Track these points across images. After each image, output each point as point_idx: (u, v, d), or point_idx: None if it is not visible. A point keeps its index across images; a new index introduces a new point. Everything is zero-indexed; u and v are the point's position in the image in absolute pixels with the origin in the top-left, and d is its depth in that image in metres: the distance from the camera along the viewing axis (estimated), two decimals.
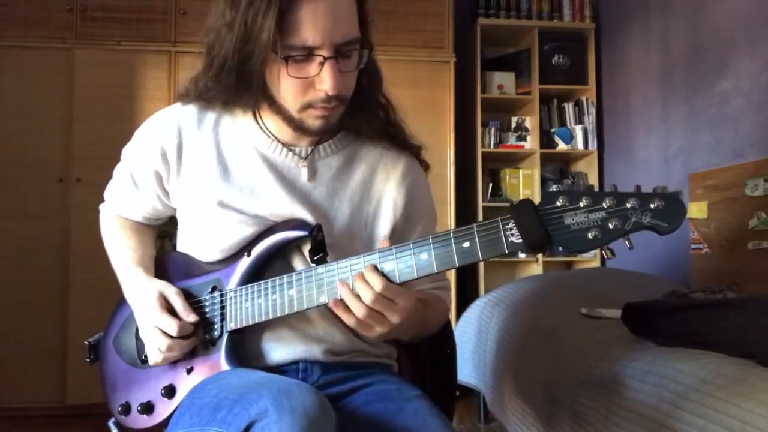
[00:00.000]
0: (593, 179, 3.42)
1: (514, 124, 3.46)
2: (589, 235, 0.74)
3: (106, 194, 1.13)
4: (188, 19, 2.90)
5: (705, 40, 2.63)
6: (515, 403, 1.86)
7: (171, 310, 0.96)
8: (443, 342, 1.16)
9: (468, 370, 2.30)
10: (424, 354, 1.16)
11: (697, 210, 2.57)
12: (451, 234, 0.80)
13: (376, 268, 0.83)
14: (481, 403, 2.44)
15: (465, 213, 3.33)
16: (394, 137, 1.05)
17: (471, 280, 3.30)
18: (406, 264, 0.82)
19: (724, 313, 1.39)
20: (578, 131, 3.42)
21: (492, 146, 3.34)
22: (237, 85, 0.92)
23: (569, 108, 3.48)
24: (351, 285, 0.84)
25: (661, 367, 1.29)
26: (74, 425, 2.63)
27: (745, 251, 2.30)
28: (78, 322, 2.73)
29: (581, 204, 0.75)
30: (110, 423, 1.05)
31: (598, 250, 0.75)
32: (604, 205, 0.74)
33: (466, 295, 3.15)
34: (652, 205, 0.72)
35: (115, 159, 1.10)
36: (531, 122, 3.42)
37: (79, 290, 2.75)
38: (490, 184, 3.38)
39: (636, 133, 3.15)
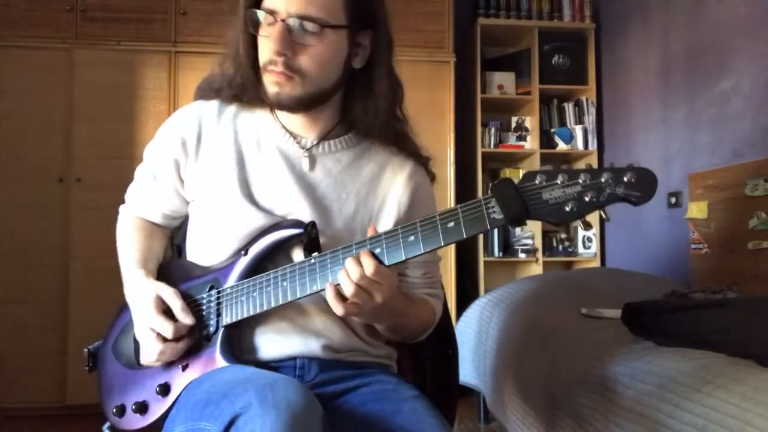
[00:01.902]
0: None
1: (514, 124, 3.46)
2: (566, 208, 0.78)
3: (127, 195, 1.14)
4: (188, 19, 2.90)
5: (705, 40, 2.62)
6: (515, 403, 1.86)
7: (168, 312, 0.96)
8: (444, 342, 1.17)
9: (468, 370, 2.30)
10: (426, 354, 1.16)
11: (697, 210, 2.57)
12: (437, 216, 0.84)
13: (370, 252, 0.86)
14: (481, 403, 2.44)
15: None
16: (403, 147, 1.08)
17: (471, 280, 3.29)
18: (394, 247, 0.85)
19: (724, 313, 1.39)
20: (578, 131, 3.42)
21: (492, 146, 3.34)
22: (242, 76, 0.99)
23: (569, 108, 3.47)
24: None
25: (661, 367, 1.29)
26: (74, 425, 2.62)
27: (745, 251, 2.30)
28: (78, 322, 2.73)
29: (558, 180, 0.79)
30: (104, 428, 1.05)
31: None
32: (580, 180, 0.78)
33: (466, 295, 3.15)
34: (624, 178, 0.76)
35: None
36: (531, 122, 3.42)
37: (79, 290, 2.73)
38: (490, 184, 3.37)
39: (636, 133, 3.15)
